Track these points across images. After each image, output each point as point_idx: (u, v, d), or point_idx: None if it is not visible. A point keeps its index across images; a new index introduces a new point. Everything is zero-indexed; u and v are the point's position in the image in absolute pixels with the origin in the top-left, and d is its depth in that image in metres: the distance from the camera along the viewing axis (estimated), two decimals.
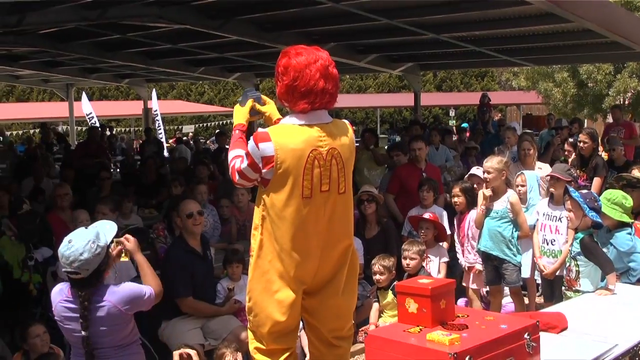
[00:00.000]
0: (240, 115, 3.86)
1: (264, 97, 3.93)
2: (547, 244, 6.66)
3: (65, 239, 3.75)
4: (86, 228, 3.85)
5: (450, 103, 40.06)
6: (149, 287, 3.89)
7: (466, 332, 3.63)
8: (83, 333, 3.65)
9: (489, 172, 6.63)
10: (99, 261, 3.68)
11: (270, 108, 3.91)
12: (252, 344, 3.76)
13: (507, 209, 6.62)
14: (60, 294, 3.78)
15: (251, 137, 3.51)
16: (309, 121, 3.54)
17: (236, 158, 3.61)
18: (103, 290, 3.70)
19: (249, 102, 3.87)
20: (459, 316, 3.89)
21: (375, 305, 6.63)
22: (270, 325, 3.62)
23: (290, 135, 3.50)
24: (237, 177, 3.61)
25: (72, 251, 3.62)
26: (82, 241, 3.66)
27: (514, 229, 6.65)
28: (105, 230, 3.82)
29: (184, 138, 25.18)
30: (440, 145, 11.31)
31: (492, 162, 6.66)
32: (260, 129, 3.55)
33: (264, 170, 3.49)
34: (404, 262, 6.52)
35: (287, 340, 3.73)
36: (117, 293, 3.72)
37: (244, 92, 3.98)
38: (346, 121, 3.79)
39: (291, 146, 3.46)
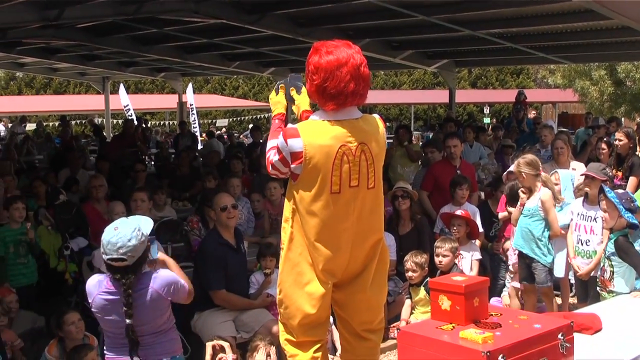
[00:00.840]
0: (279, 104, 3.88)
1: (303, 88, 3.91)
2: (582, 244, 6.58)
3: (110, 227, 3.80)
4: (127, 217, 3.92)
5: (484, 100, 39.78)
6: (183, 281, 3.93)
7: (499, 330, 3.62)
8: (127, 321, 3.69)
9: (522, 170, 6.58)
10: (144, 249, 3.75)
11: (303, 98, 3.87)
12: (283, 336, 3.79)
13: (538, 206, 6.55)
14: (98, 286, 3.81)
15: (280, 133, 3.54)
16: (338, 117, 3.54)
17: (272, 149, 3.63)
18: (144, 277, 3.76)
19: (281, 90, 3.90)
20: (492, 314, 3.88)
21: (407, 302, 6.62)
22: (301, 317, 3.64)
23: (319, 132, 3.50)
24: (270, 168, 3.65)
25: (119, 237, 3.68)
26: (128, 228, 3.72)
27: (545, 228, 6.58)
28: (141, 222, 3.89)
29: (217, 132, 25.26)
30: (474, 143, 11.23)
31: (527, 159, 6.61)
32: (290, 125, 3.57)
33: (292, 166, 3.51)
34: (437, 260, 6.50)
35: (317, 333, 3.75)
36: (157, 278, 3.77)
37: (290, 77, 3.95)
38: (376, 116, 3.76)
39: (320, 142, 3.47)
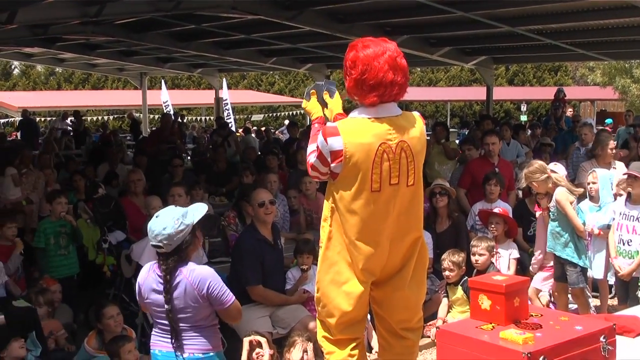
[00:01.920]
0: (315, 107, 3.86)
1: (337, 92, 3.91)
2: (624, 244, 6.47)
3: (155, 214, 3.86)
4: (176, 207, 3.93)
5: (522, 97, 39.31)
6: (232, 295, 3.88)
7: (540, 331, 3.57)
8: (166, 306, 3.74)
9: (532, 180, 6.55)
10: (182, 239, 3.74)
11: (336, 102, 3.85)
12: (320, 333, 3.79)
13: (557, 208, 6.48)
14: (150, 268, 3.90)
15: (321, 132, 3.51)
16: (378, 114, 3.51)
17: (312, 152, 3.62)
18: (184, 267, 3.76)
19: (313, 96, 3.88)
20: (532, 315, 3.83)
21: (445, 301, 6.58)
22: (338, 316, 3.63)
23: (359, 130, 3.48)
24: (310, 170, 3.64)
25: (157, 225, 3.74)
26: (168, 217, 3.76)
27: (572, 229, 6.49)
28: (196, 210, 3.88)
29: (254, 128, 25.37)
30: (511, 140, 11.11)
31: (531, 168, 6.58)
32: (329, 124, 3.55)
33: (332, 165, 3.48)
34: (473, 259, 6.45)
35: (355, 331, 3.73)
36: (194, 271, 3.77)
37: (325, 82, 3.96)
38: (416, 113, 3.73)
39: (360, 140, 3.45)
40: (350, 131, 3.46)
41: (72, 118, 22.68)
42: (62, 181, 10.70)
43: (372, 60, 3.43)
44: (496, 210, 7.36)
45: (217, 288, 3.78)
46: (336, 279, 3.61)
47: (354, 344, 3.73)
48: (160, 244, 3.72)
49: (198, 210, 3.87)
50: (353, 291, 3.59)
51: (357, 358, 3.72)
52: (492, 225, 7.19)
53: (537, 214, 7.53)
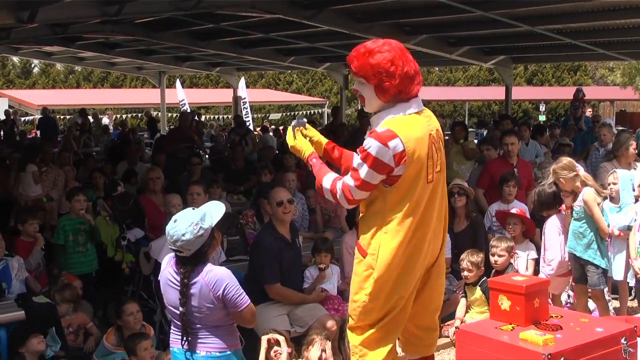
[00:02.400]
0: (304, 145, 3.91)
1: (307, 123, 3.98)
2: None
3: (173, 218, 3.82)
4: (194, 209, 3.88)
5: (540, 97, 39.06)
6: (248, 299, 3.84)
7: (560, 333, 3.56)
8: (181, 309, 3.73)
9: (559, 176, 6.48)
10: (202, 242, 3.71)
11: (315, 132, 4.00)
12: (357, 340, 3.77)
13: (583, 207, 6.43)
14: (169, 262, 3.87)
15: (372, 140, 3.50)
16: (415, 108, 3.63)
17: (337, 180, 3.67)
18: (201, 268, 3.73)
19: (297, 133, 3.94)
20: (552, 316, 3.82)
21: (463, 301, 6.56)
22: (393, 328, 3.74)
23: (410, 126, 3.57)
24: (353, 194, 3.60)
25: (175, 231, 3.69)
26: (186, 222, 3.71)
27: (595, 229, 6.44)
28: (213, 211, 3.83)
29: (271, 127, 25.41)
30: (530, 141, 11.04)
31: (560, 164, 6.52)
32: (379, 128, 3.53)
33: (396, 168, 3.51)
34: (492, 259, 6.41)
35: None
36: (211, 272, 3.73)
37: (298, 119, 4.05)
38: None
39: (415, 135, 3.55)
40: (404, 129, 3.53)
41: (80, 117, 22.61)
42: (81, 179, 10.77)
43: (403, 54, 3.59)
44: (514, 210, 7.32)
45: (233, 290, 3.73)
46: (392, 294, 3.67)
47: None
48: (180, 250, 3.70)
49: (216, 212, 3.82)
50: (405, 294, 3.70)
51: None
52: (510, 226, 7.16)
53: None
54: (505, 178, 7.79)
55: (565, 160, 6.64)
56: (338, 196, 3.66)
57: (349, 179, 3.60)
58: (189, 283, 3.70)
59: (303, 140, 3.92)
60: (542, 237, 7.11)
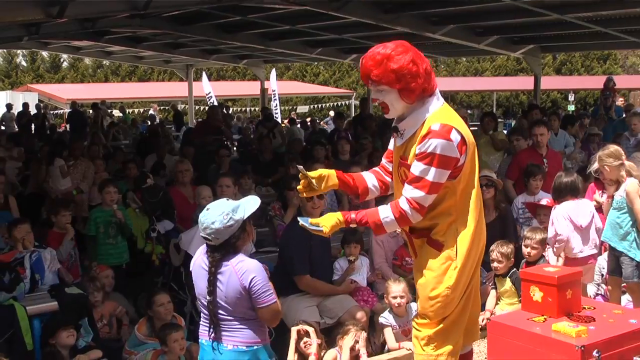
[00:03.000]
0: (327, 217, 3.82)
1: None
2: None
3: (206, 206, 3.84)
4: (228, 199, 3.89)
5: (569, 87, 38.66)
6: (275, 296, 3.81)
7: (593, 324, 3.53)
8: (208, 297, 3.74)
9: (605, 163, 6.34)
10: (230, 233, 3.70)
11: (314, 172, 3.90)
12: (426, 333, 3.79)
13: (624, 198, 6.33)
14: (202, 251, 3.89)
15: (434, 140, 3.49)
16: (442, 100, 3.69)
17: (396, 205, 3.66)
18: (232, 258, 3.73)
19: (314, 222, 3.84)
20: (585, 308, 3.78)
21: (493, 292, 6.51)
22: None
23: (452, 114, 3.67)
24: (423, 203, 3.59)
25: (206, 218, 3.72)
26: (217, 211, 3.73)
27: (634, 221, 6.34)
28: (247, 205, 3.82)
29: (298, 120, 25.44)
30: (559, 131, 10.93)
31: (607, 151, 6.38)
32: (434, 126, 3.52)
33: (461, 157, 3.56)
34: (525, 250, 6.34)
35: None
36: (241, 262, 3.73)
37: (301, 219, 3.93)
38: None
39: (461, 121, 3.64)
40: (451, 119, 3.61)
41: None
42: (110, 171, 10.86)
43: (417, 52, 3.61)
44: (543, 202, 7.25)
45: (259, 285, 3.70)
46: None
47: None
48: (208, 237, 3.72)
49: (250, 205, 3.82)
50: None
51: None
52: (540, 217, 7.09)
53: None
54: (531, 171, 7.71)
55: (612, 147, 6.45)
56: (410, 216, 3.62)
57: (413, 192, 3.58)
58: (216, 271, 3.70)
59: (325, 218, 3.81)
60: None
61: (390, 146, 4.02)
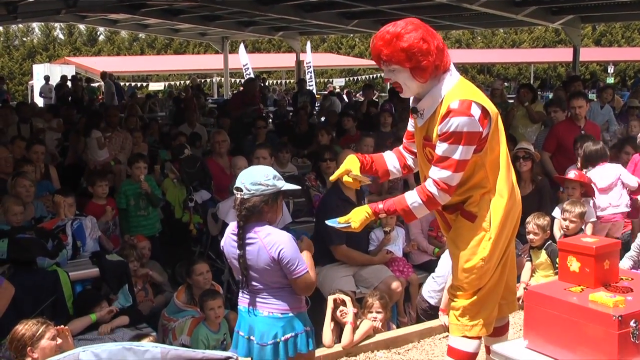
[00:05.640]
0: (357, 211, 3.84)
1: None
2: None
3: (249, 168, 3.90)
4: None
5: (609, 59, 37.97)
6: (306, 266, 3.80)
7: (631, 295, 3.50)
8: (240, 268, 3.77)
9: None
10: (262, 191, 3.69)
11: (340, 169, 3.92)
12: (461, 303, 3.82)
13: None
14: (231, 227, 3.91)
15: (455, 118, 3.45)
16: (458, 74, 3.64)
17: (422, 188, 3.65)
18: (260, 228, 3.73)
19: (342, 221, 3.85)
20: (622, 279, 3.76)
21: (528, 265, 6.49)
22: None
23: (470, 87, 3.62)
24: (451, 182, 3.56)
25: (248, 171, 3.77)
26: (261, 170, 3.79)
27: None
28: (290, 182, 3.87)
29: (337, 91, 25.40)
30: (606, 105, 10.76)
31: None
32: (451, 104, 3.48)
33: (484, 130, 3.52)
34: (563, 224, 6.29)
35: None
36: (269, 235, 3.72)
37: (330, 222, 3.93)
38: None
39: (479, 92, 3.61)
40: (469, 93, 3.55)
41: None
42: (147, 143, 10.99)
43: (427, 29, 3.54)
44: (570, 175, 7.16)
45: (289, 256, 3.70)
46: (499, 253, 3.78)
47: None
48: (241, 187, 3.72)
49: (291, 184, 3.87)
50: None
51: None
52: (569, 190, 7.00)
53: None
54: (578, 140, 7.62)
55: None
56: (438, 197, 3.60)
57: (439, 173, 3.54)
58: (244, 232, 3.71)
59: (354, 213, 3.82)
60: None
61: (410, 127, 4.00)
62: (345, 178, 3.89)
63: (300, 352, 3.78)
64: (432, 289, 6.00)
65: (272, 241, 3.70)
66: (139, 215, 7.55)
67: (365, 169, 3.96)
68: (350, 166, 3.86)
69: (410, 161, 4.04)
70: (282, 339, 3.74)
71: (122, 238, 7.29)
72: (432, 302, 5.93)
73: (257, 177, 3.70)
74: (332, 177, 3.90)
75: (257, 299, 3.80)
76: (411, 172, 4.14)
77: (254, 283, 3.79)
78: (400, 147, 4.10)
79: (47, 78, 25.03)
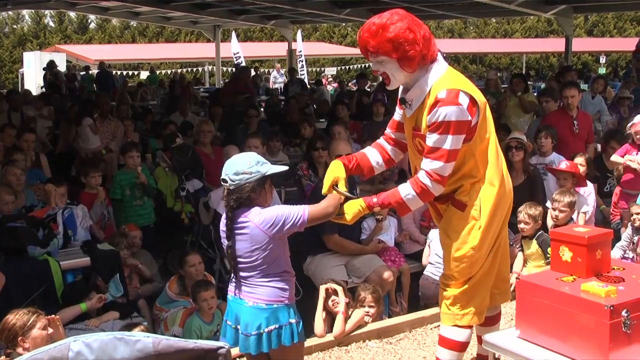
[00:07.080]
0: (350, 205, 3.77)
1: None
2: None
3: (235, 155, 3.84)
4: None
5: (601, 49, 37.99)
6: (303, 207, 3.72)
7: (622, 285, 3.52)
8: (229, 250, 3.73)
9: None
10: (246, 180, 3.61)
11: (327, 178, 3.83)
12: (453, 292, 3.83)
13: None
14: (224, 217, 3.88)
15: (443, 108, 3.45)
16: (446, 64, 3.65)
17: (415, 180, 3.65)
18: (249, 212, 3.67)
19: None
20: (614, 268, 3.77)
21: (520, 255, 6.49)
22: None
23: (457, 76, 3.63)
24: (443, 173, 3.57)
25: (231, 161, 3.70)
26: (244, 157, 3.73)
27: None
28: (275, 166, 3.80)
29: (328, 80, 25.39)
30: (597, 95, 10.77)
31: None
32: (439, 94, 3.48)
33: (473, 118, 3.53)
34: (553, 214, 6.30)
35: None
36: (261, 214, 3.65)
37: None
38: None
39: (467, 81, 3.61)
40: (457, 82, 3.56)
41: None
42: (139, 131, 10.94)
43: (413, 19, 3.55)
44: (562, 166, 7.16)
45: (291, 216, 3.63)
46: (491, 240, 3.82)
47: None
48: (225, 178, 3.67)
49: (276, 167, 3.80)
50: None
51: None
52: (560, 181, 7.01)
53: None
54: (538, 130, 7.70)
55: None
56: (431, 189, 3.60)
57: (431, 164, 3.55)
58: (233, 220, 3.66)
59: (348, 206, 3.76)
60: None
61: (396, 117, 4.01)
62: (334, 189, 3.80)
63: (283, 344, 3.68)
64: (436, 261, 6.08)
65: (262, 216, 3.62)
66: (135, 205, 7.51)
67: (352, 171, 3.96)
68: (336, 173, 3.81)
69: (392, 153, 4.06)
70: (266, 330, 3.66)
71: (118, 229, 7.27)
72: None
73: (239, 167, 3.64)
74: (324, 191, 3.80)
75: (243, 289, 3.74)
76: (393, 164, 4.18)
77: (242, 273, 3.74)
78: (381, 139, 4.11)
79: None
